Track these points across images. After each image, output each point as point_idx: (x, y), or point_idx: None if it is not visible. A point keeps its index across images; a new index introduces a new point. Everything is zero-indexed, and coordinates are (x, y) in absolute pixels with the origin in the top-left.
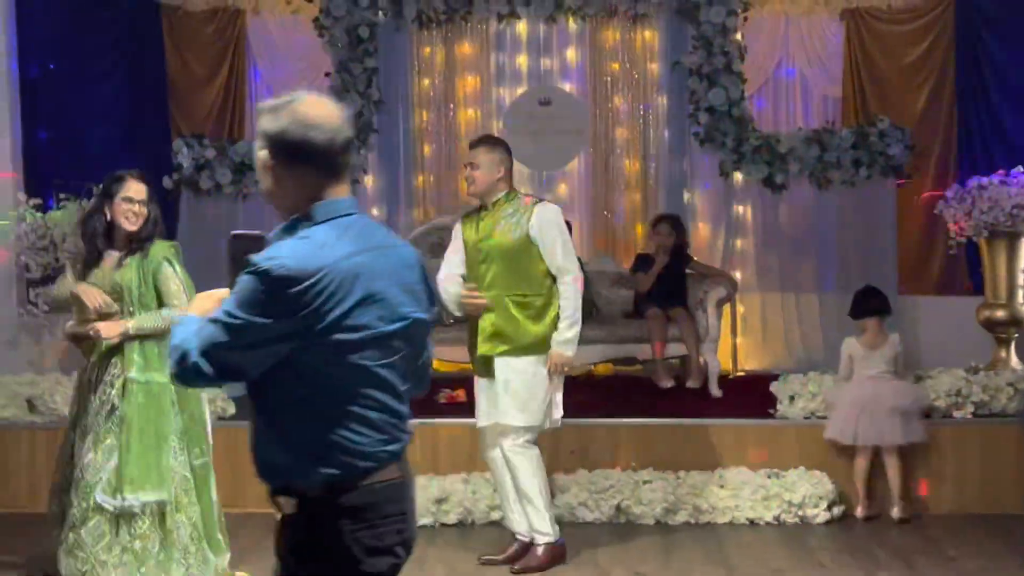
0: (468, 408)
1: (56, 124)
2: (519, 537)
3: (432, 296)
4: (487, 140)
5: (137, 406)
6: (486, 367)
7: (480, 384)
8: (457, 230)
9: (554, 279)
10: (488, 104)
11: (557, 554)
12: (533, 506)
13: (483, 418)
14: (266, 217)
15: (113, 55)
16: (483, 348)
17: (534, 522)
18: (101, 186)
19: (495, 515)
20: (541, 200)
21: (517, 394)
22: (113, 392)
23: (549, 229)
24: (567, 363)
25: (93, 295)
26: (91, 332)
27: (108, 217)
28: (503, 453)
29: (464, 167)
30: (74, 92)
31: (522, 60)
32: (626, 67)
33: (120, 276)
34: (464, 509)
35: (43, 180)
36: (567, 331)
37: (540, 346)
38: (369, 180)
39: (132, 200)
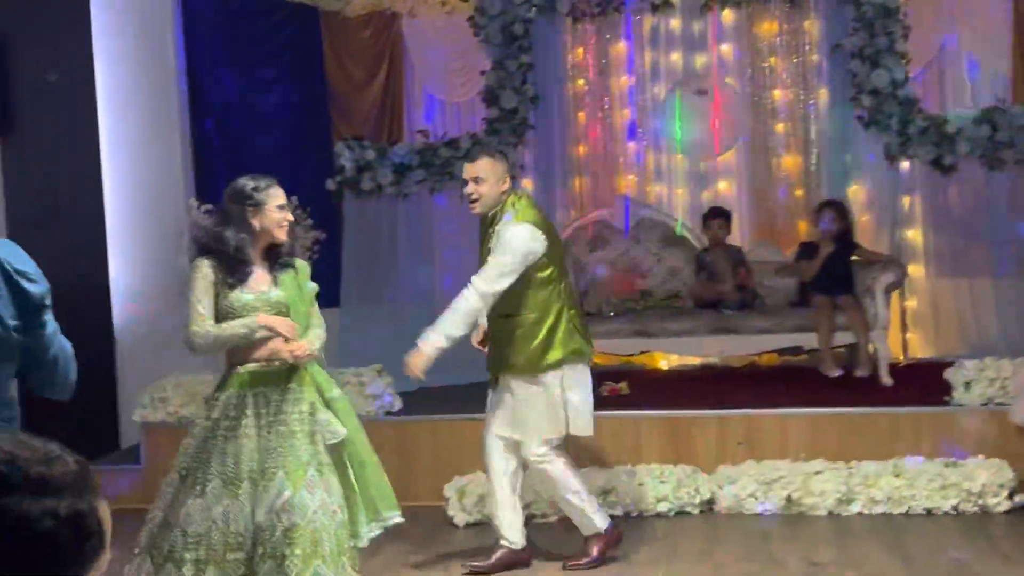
0: (630, 401)
1: (223, 130)
2: (502, 543)
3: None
4: (489, 151)
5: (354, 428)
6: (493, 382)
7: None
8: None
9: (549, 293)
10: (644, 101)
11: (611, 541)
12: (573, 507)
13: (487, 426)
14: (423, 215)
15: (276, 62)
16: (488, 366)
17: (581, 519)
18: (234, 195)
19: (662, 506)
20: (513, 221)
21: (510, 411)
22: (301, 418)
23: (499, 242)
24: (411, 369)
25: (285, 323)
26: (293, 355)
27: (257, 228)
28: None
29: (464, 183)
30: (240, 99)
31: (676, 57)
32: (786, 58)
33: (281, 295)
34: (630, 500)
35: (213, 185)
36: (431, 334)
37: (531, 366)
38: (526, 182)
39: (284, 207)
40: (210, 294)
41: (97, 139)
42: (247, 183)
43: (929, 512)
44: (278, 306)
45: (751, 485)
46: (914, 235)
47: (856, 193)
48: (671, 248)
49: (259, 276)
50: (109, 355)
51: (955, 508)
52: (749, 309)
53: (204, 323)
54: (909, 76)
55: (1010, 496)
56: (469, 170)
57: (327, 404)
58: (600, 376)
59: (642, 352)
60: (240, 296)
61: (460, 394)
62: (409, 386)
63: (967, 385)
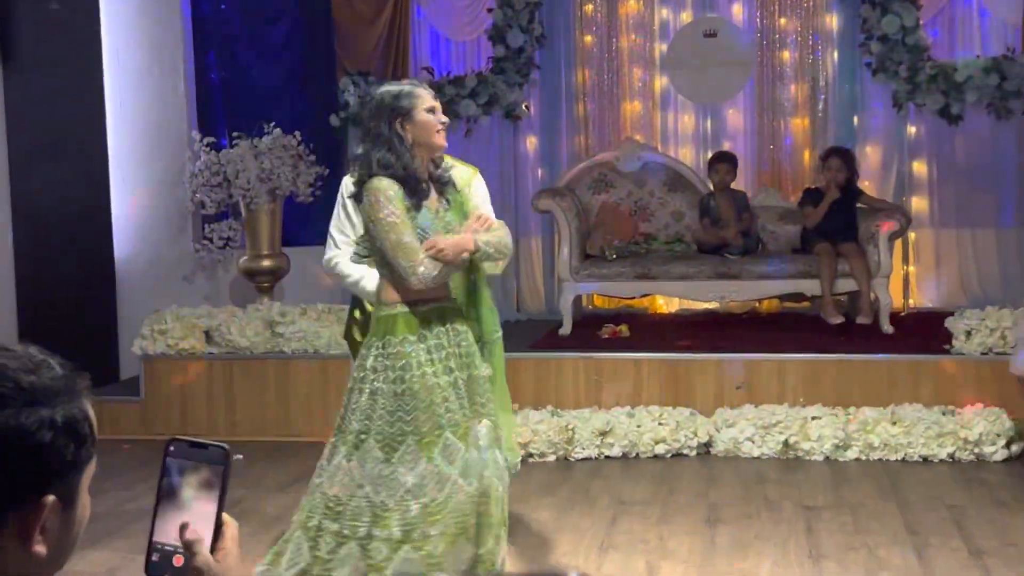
0: (631, 343)
1: (227, 65)
2: None
3: None
4: None
5: (500, 369)
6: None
7: None
8: None
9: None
10: (651, 27)
11: None
12: None
13: None
14: None
15: None
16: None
17: None
18: (378, 109)
19: (659, 448)
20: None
21: None
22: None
23: (485, 196)
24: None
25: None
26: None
27: (410, 140)
28: None
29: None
30: (243, 33)
31: (686, 16)
32: (794, 14)
33: (453, 216)
34: (628, 442)
35: (216, 119)
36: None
37: None
38: (531, 117)
39: (435, 110)
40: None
41: (100, 69)
42: (387, 91)
43: (925, 460)
44: (448, 227)
45: (749, 429)
46: (919, 183)
47: (862, 140)
48: (675, 192)
49: (432, 197)
50: (110, 286)
51: (951, 456)
52: (752, 255)
53: (421, 258)
54: (920, 23)
55: (1007, 445)
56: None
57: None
58: (601, 319)
59: (643, 295)
60: (429, 219)
61: None
62: None
63: (968, 334)
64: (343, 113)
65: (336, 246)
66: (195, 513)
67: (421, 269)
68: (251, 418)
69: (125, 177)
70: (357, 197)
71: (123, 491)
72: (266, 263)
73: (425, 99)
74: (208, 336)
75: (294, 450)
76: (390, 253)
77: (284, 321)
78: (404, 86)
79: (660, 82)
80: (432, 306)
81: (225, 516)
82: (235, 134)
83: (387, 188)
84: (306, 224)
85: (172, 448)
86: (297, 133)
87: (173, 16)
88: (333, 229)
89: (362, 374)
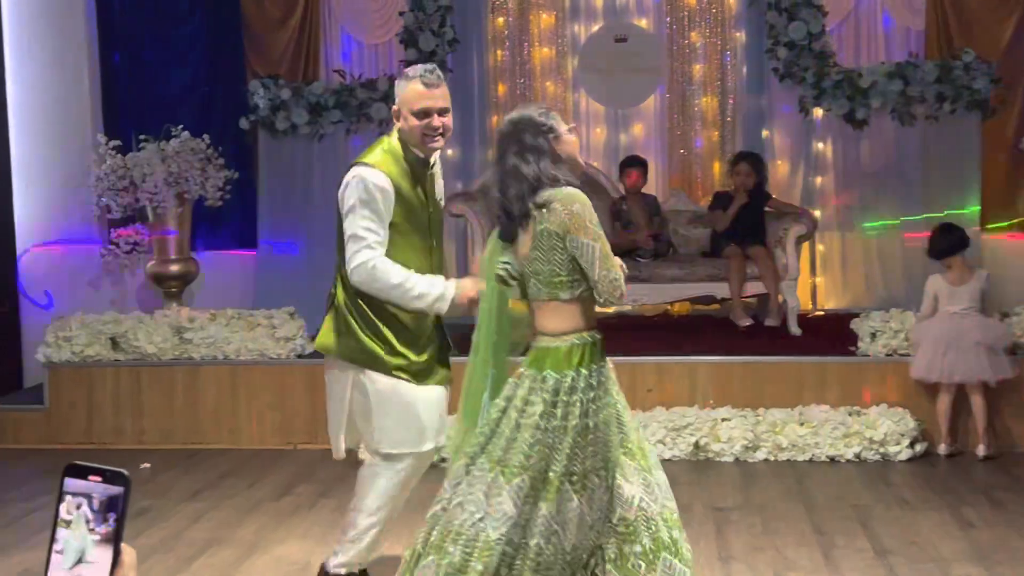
0: None
1: (133, 66)
2: None
3: None
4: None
5: None
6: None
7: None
8: None
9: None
10: (563, 41)
11: None
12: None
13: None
14: (340, 158)
15: None
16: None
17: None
18: (529, 128)
19: None
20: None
21: None
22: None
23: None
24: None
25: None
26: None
27: (563, 157)
28: None
29: (427, 114)
30: (151, 35)
31: (598, 2)
32: (703, 2)
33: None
34: None
35: (122, 121)
36: None
37: None
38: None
39: (574, 128)
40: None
41: (1, 70)
42: (531, 112)
43: (832, 460)
44: None
45: (660, 431)
46: (826, 187)
47: (770, 145)
48: (588, 195)
49: None
50: (12, 292)
51: (857, 456)
52: (663, 258)
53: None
54: (826, 29)
55: (911, 445)
56: (441, 99)
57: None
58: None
59: None
60: None
61: None
62: None
63: (873, 336)
64: (253, 116)
65: (370, 246)
66: (92, 542)
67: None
68: (159, 426)
69: (28, 180)
70: (537, 207)
71: (24, 502)
72: (174, 268)
73: (562, 121)
74: (114, 343)
75: (202, 458)
76: (599, 264)
77: (193, 327)
78: (540, 106)
79: (572, 96)
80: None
81: (123, 544)
82: (142, 137)
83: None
84: (216, 228)
85: (70, 473)
86: (206, 136)
87: (77, 16)
88: (361, 229)
89: (558, 410)
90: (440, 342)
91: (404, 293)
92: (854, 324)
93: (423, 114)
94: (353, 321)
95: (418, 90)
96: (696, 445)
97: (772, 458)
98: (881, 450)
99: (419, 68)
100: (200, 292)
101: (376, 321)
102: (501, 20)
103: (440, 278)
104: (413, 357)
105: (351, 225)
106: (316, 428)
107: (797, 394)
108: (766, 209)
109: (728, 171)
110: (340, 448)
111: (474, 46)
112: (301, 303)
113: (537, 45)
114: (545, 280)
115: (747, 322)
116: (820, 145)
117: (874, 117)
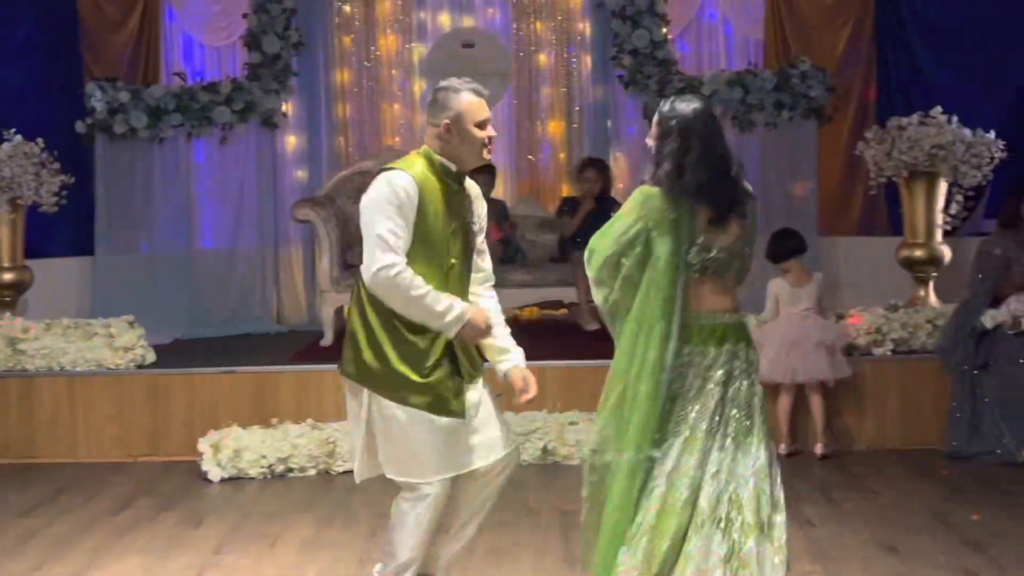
0: None
1: None
2: None
3: None
4: None
5: None
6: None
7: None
8: None
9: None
10: (410, 29)
11: None
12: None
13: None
14: (182, 162)
15: None
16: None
17: None
18: (702, 116)
19: None
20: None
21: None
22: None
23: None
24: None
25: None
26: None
27: None
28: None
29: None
30: None
31: (444, 19)
32: (550, 22)
33: None
34: None
35: None
36: None
37: None
38: (288, 124)
39: None
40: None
41: None
42: (697, 100)
43: None
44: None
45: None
46: None
47: (616, 150)
48: None
49: None
50: None
51: None
52: (511, 263)
53: None
54: (669, 37)
55: None
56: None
57: None
58: None
59: None
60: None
61: (216, 347)
62: (162, 339)
63: None
64: (90, 119)
65: (394, 250)
66: None
67: None
68: None
69: None
70: (747, 195)
71: None
72: (7, 276)
73: None
74: None
75: (37, 472)
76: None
77: (27, 337)
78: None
79: (419, 84)
80: None
81: None
82: None
83: None
84: (51, 235)
85: None
86: (40, 140)
87: None
88: (385, 231)
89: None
90: (452, 369)
91: (427, 306)
92: None
93: (483, 125)
94: (362, 337)
95: (475, 101)
96: (544, 449)
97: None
98: None
99: (462, 81)
100: (34, 301)
101: (381, 336)
102: (348, 7)
103: (456, 298)
104: (416, 379)
105: (373, 226)
106: (157, 440)
107: None
108: (612, 214)
109: (575, 177)
110: (361, 473)
111: (319, 36)
112: (141, 312)
113: (383, 33)
114: (748, 264)
115: (594, 326)
116: None
117: None
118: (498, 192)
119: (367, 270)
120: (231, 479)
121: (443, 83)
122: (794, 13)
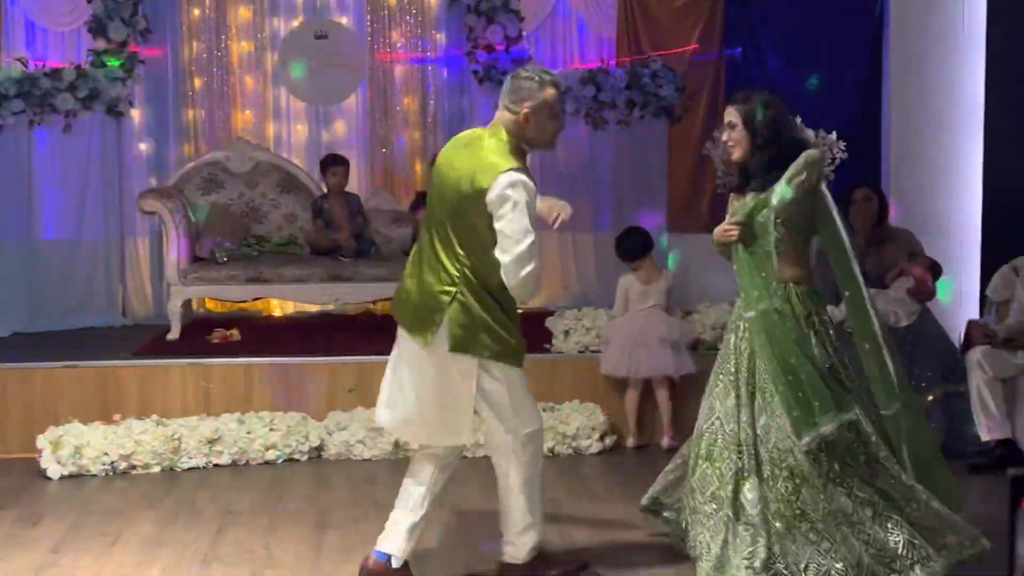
0: (240, 348)
1: None
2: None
3: None
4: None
5: None
6: None
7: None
8: None
9: None
10: (262, 36)
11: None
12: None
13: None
14: (24, 150)
15: None
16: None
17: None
18: (780, 103)
19: (270, 454)
20: None
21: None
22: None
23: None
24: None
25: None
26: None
27: None
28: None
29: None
30: None
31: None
32: (406, 16)
33: None
34: (238, 449)
35: None
36: None
37: None
38: (136, 114)
39: None
40: None
41: None
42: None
43: None
44: None
45: (360, 432)
46: None
47: None
48: (288, 194)
49: None
50: None
51: (551, 451)
52: (365, 257)
53: None
54: (523, 34)
55: (601, 439)
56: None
57: None
58: (211, 323)
59: (256, 299)
60: None
61: (57, 341)
62: (0, 332)
63: (566, 333)
64: None
65: (535, 243)
66: None
67: None
68: None
69: None
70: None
71: None
72: None
73: None
74: None
75: None
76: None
77: None
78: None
79: (272, 92)
80: None
81: None
82: None
83: None
84: None
85: None
86: None
87: None
88: (529, 222)
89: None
90: None
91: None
92: (549, 322)
93: (557, 115)
94: (485, 314)
95: (556, 93)
96: (396, 444)
97: (469, 455)
98: (573, 444)
99: (539, 69)
100: None
101: (500, 311)
102: (197, 11)
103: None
104: (518, 344)
105: (520, 220)
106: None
107: None
108: None
109: (429, 171)
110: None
111: (168, 37)
112: None
113: (235, 39)
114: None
115: None
116: None
117: (569, 122)
118: (352, 186)
119: (520, 261)
120: (71, 476)
121: (526, 71)
122: (646, 12)
